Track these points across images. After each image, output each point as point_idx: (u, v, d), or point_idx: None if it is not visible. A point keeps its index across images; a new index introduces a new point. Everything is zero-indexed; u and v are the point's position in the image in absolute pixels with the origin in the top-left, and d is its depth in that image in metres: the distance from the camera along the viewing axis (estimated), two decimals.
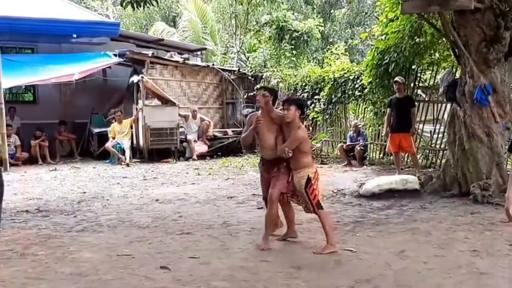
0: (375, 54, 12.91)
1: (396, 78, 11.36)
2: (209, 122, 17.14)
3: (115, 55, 16.92)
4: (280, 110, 6.23)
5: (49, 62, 16.18)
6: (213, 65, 19.43)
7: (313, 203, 6.05)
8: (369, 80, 13.23)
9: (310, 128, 16.42)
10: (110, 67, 17.39)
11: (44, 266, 5.59)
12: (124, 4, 9.43)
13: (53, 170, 13.97)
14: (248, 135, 6.44)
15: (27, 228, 7.38)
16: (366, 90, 13.85)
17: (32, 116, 16.99)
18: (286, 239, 6.47)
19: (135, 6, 9.45)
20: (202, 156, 16.20)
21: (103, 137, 16.61)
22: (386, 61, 12.53)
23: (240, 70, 19.66)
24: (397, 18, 12.05)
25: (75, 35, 16.86)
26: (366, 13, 30.32)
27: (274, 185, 6.17)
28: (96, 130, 17.07)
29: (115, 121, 16.05)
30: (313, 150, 15.15)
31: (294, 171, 6.11)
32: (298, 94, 16.81)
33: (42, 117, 17.04)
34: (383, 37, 12.75)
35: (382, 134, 13.00)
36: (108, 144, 15.76)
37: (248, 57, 23.36)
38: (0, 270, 4.95)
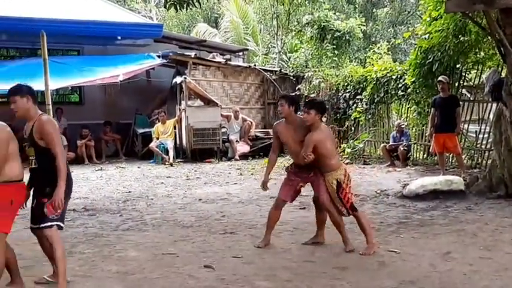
0: (419, 54, 12.75)
1: (440, 78, 11.19)
2: (251, 123, 17.21)
3: (158, 56, 17.16)
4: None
5: (94, 64, 16.52)
6: (255, 65, 19.51)
7: (347, 207, 5.99)
8: (412, 80, 13.06)
9: (353, 128, 16.36)
10: (153, 68, 17.63)
11: (91, 264, 5.72)
12: (167, 6, 9.57)
13: (99, 170, 14.25)
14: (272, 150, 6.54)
15: (75, 227, 7.54)
16: (409, 90, 13.68)
17: (78, 116, 17.37)
18: (312, 243, 6.38)
19: (178, 7, 9.58)
20: (244, 156, 16.29)
21: (147, 137, 16.85)
22: (430, 60, 12.36)
23: (282, 70, 19.67)
24: (441, 17, 11.86)
25: (119, 37, 17.21)
26: (409, 12, 29.95)
27: (319, 190, 6.10)
28: (140, 130, 17.32)
29: (159, 121, 16.26)
30: (355, 151, 15.10)
31: (324, 174, 6.06)
32: (340, 94, 16.76)
33: (88, 118, 17.42)
34: (426, 36, 12.57)
35: (426, 134, 12.85)
36: (152, 145, 15.98)
37: (290, 58, 23.34)
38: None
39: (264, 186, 6.46)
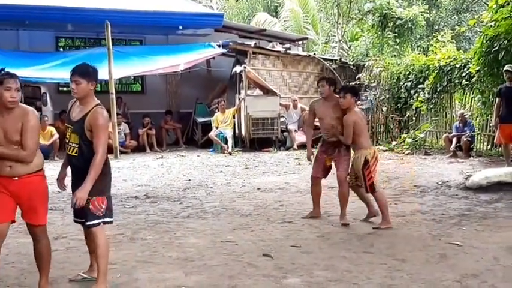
0: (484, 42, 12.39)
1: (507, 67, 10.83)
2: None
3: (219, 46, 17.27)
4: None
5: (156, 53, 16.79)
6: (314, 54, 19.38)
7: (367, 184, 6.64)
8: (477, 69, 12.73)
9: (414, 118, 16.08)
10: (213, 58, 17.75)
11: (152, 250, 5.82)
12: None
13: (160, 158, 14.43)
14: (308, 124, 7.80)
15: (136, 214, 7.69)
16: (473, 79, 13.35)
17: (139, 105, 17.73)
18: (368, 220, 6.98)
19: None
20: (302, 146, 16.16)
21: (207, 126, 17.01)
22: (496, 49, 11.99)
23: (342, 59, 19.48)
24: (508, 4, 11.53)
25: (181, 27, 17.39)
26: None
27: (338, 167, 6.91)
28: (200, 119, 17.48)
29: (218, 111, 16.38)
30: (416, 141, 14.83)
31: (354, 152, 6.79)
32: (401, 83, 16.50)
33: (150, 107, 17.76)
34: (492, 24, 12.21)
35: (491, 125, 12.51)
36: (212, 134, 16.12)
37: (350, 46, 23.09)
38: (112, 253, 5.17)
39: (309, 158, 7.39)
